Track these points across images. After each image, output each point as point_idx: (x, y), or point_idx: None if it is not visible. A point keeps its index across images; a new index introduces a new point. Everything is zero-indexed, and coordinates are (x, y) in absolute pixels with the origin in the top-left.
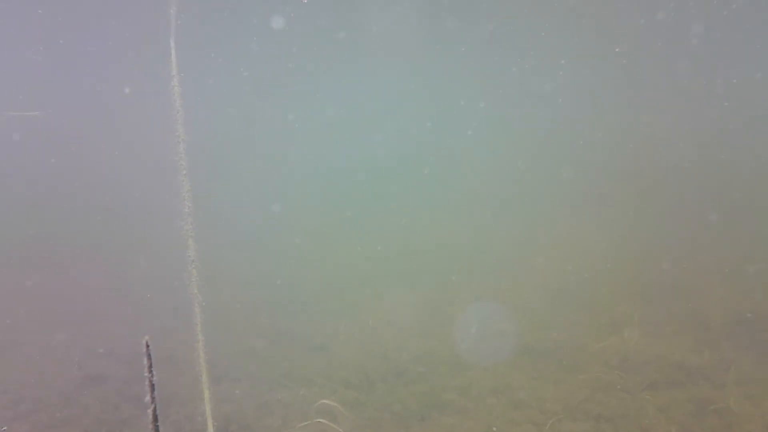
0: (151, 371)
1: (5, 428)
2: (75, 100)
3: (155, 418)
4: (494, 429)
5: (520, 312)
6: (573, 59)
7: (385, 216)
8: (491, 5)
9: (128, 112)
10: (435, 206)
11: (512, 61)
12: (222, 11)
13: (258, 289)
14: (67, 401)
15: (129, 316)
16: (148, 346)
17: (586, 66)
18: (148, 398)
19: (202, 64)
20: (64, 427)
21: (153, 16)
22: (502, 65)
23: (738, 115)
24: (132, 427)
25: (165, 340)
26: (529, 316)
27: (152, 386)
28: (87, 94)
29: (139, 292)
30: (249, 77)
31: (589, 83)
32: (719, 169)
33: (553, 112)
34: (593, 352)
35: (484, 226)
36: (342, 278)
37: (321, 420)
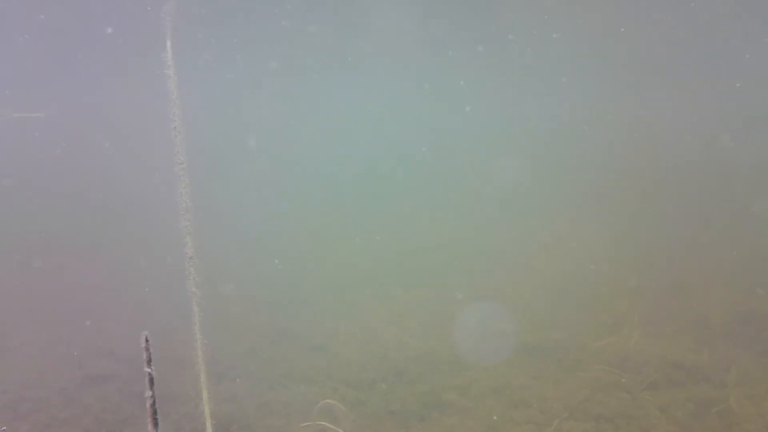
0: (150, 365)
1: (5, 428)
2: (72, 98)
3: (154, 412)
4: (495, 417)
5: (520, 312)
6: (573, 59)
7: (386, 215)
8: (491, 5)
9: (125, 109)
10: (435, 206)
11: (512, 61)
12: (223, 8)
13: (258, 288)
14: (67, 401)
15: (129, 315)
16: (147, 340)
17: (586, 66)
18: (147, 393)
19: (201, 60)
20: (65, 427)
21: (151, 12)
22: (502, 65)
23: (738, 115)
24: (133, 426)
25: (165, 339)
26: (529, 315)
27: (152, 381)
28: (84, 91)
29: (140, 291)
30: (249, 74)
31: (590, 83)
32: (720, 169)
33: (554, 112)
34: (593, 352)
35: (484, 226)
36: (342, 278)
37: (322, 423)
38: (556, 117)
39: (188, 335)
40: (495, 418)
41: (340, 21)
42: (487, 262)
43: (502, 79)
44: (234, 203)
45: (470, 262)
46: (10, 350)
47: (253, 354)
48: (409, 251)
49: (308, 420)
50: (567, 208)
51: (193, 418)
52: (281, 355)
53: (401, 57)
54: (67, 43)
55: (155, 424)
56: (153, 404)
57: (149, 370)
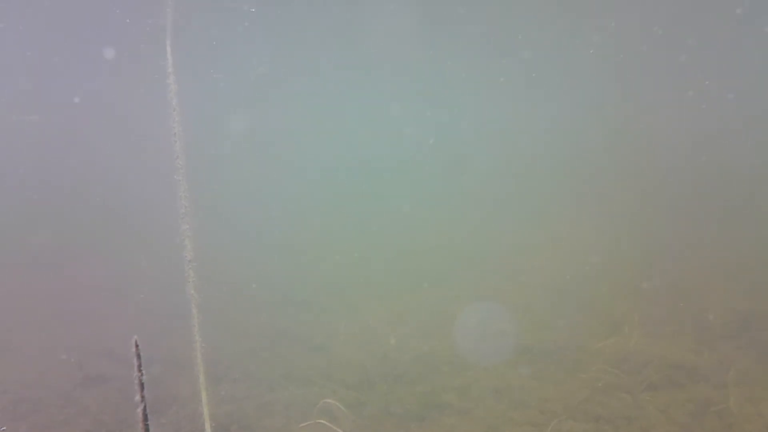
0: (140, 371)
1: (4, 429)
2: (73, 101)
3: (145, 418)
4: (494, 418)
5: (520, 312)
6: (574, 59)
7: (386, 216)
8: (491, 5)
9: (125, 112)
10: (435, 206)
11: (512, 61)
12: (223, 10)
13: (258, 289)
14: (66, 402)
15: (129, 316)
16: (137, 345)
17: (586, 65)
18: (137, 398)
19: (202, 63)
20: (64, 427)
21: (151, 14)
22: (502, 65)
23: (738, 115)
24: (132, 427)
25: (166, 340)
26: (529, 316)
27: (141, 386)
28: (84, 94)
29: (140, 292)
30: (249, 76)
31: (590, 82)
32: (719, 169)
33: (554, 112)
34: (593, 353)
35: (484, 226)
36: (342, 278)
37: (321, 421)
38: (557, 117)
39: (189, 336)
40: (495, 420)
41: (341, 21)
42: (486, 262)
43: (503, 79)
44: (234, 204)
45: (470, 263)
46: (10, 351)
47: (253, 355)
48: (409, 252)
49: (308, 420)
50: (567, 209)
51: (194, 419)
52: (281, 355)
53: (401, 57)
54: (66, 42)
55: (146, 429)
56: (144, 410)
57: (140, 374)
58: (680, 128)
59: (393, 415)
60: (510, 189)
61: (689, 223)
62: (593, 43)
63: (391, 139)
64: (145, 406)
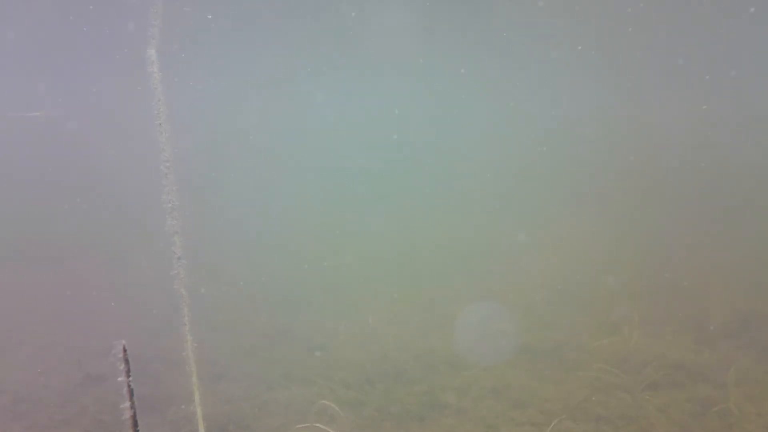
0: (128, 375)
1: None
2: (66, 99)
3: (135, 423)
4: (494, 418)
5: (520, 312)
6: (574, 58)
7: (385, 215)
8: (491, 6)
9: (114, 107)
10: (435, 206)
11: (513, 60)
12: (218, 7)
13: (257, 288)
14: (65, 401)
15: (129, 315)
16: (125, 350)
17: (586, 65)
18: (126, 404)
19: (196, 60)
20: (64, 427)
21: (140, 8)
22: (502, 64)
23: (738, 115)
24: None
25: (164, 340)
26: (528, 315)
27: (131, 391)
28: (77, 92)
29: (138, 291)
30: (245, 73)
31: (590, 82)
32: (720, 169)
33: (554, 111)
34: (593, 352)
35: (485, 226)
36: (342, 278)
37: (319, 425)
38: (557, 117)
39: (186, 335)
40: (494, 420)
41: (340, 21)
42: (486, 262)
43: (503, 79)
44: (234, 203)
45: (470, 262)
46: (9, 350)
47: (251, 354)
48: (409, 251)
49: (307, 420)
50: (567, 208)
51: (192, 419)
52: (280, 355)
53: (399, 55)
54: (61, 41)
55: None
56: (134, 416)
57: (127, 380)
58: (681, 127)
59: (392, 414)
60: (510, 189)
61: (689, 223)
62: (593, 43)
63: (390, 139)
64: (135, 413)
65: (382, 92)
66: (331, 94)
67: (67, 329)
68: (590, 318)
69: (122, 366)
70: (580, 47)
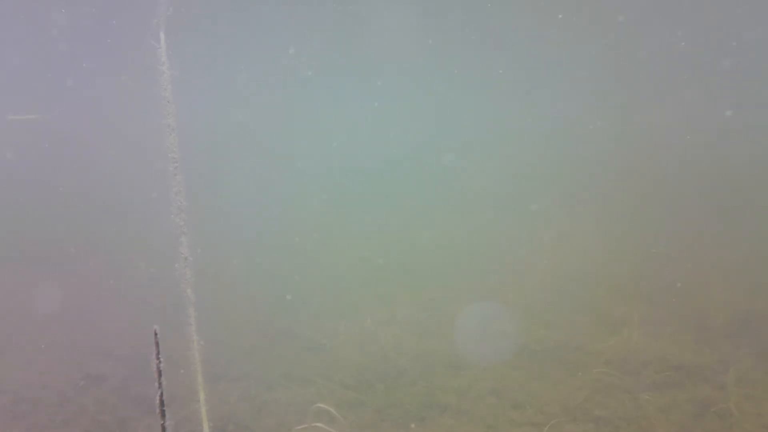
0: (158, 358)
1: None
2: (67, 98)
3: (162, 403)
4: (493, 418)
5: (520, 312)
6: (574, 57)
7: (385, 216)
8: (492, 6)
9: (120, 107)
10: (435, 206)
11: (513, 60)
12: (222, 7)
13: (257, 288)
14: (65, 402)
15: (128, 316)
16: (156, 334)
17: (587, 64)
18: (156, 384)
19: (201, 60)
20: (63, 427)
21: (149, 10)
22: (502, 64)
23: (739, 115)
24: (131, 427)
25: (165, 340)
26: (528, 316)
27: (159, 372)
28: (78, 91)
29: (140, 291)
30: (249, 73)
31: (591, 82)
32: (720, 169)
33: (554, 111)
34: (593, 353)
35: (485, 226)
36: (342, 278)
37: (318, 425)
38: (557, 117)
39: (186, 335)
40: (494, 421)
41: (343, 17)
42: (486, 262)
43: (503, 79)
44: (233, 203)
45: (470, 263)
46: (9, 350)
47: (251, 354)
48: (409, 251)
49: (306, 420)
50: (567, 208)
51: (192, 419)
52: (280, 355)
53: (401, 55)
54: (60, 41)
55: (163, 414)
56: (161, 396)
57: (158, 362)
58: (681, 127)
59: (392, 415)
60: (510, 189)
61: (689, 223)
62: (593, 42)
63: (390, 139)
64: (162, 393)
65: (382, 92)
66: (331, 94)
67: (67, 329)
68: (590, 318)
69: (154, 349)
70: (579, 48)
